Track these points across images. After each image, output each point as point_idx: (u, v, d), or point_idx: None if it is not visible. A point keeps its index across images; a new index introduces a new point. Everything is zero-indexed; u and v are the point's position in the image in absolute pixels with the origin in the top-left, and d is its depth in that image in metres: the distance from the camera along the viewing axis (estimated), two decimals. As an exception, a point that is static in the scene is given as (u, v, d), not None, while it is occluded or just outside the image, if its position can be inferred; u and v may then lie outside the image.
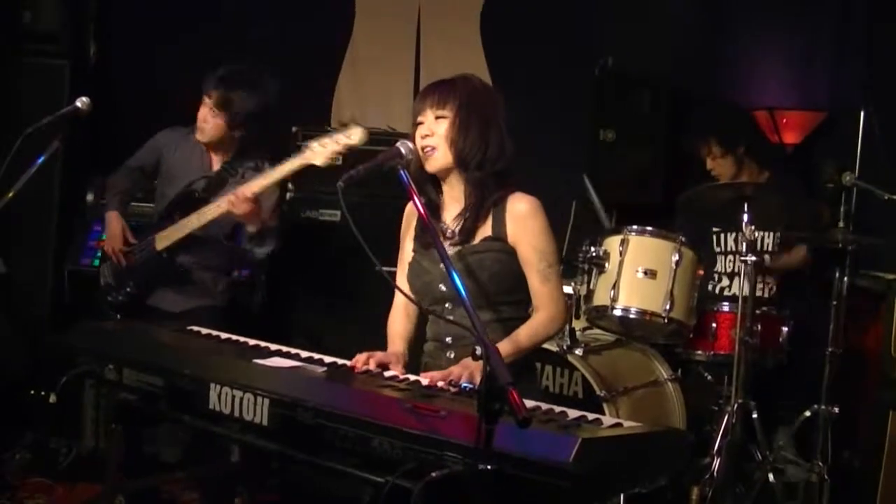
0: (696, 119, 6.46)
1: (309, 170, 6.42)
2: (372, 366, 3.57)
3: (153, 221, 5.53)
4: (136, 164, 5.62)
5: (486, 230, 3.71)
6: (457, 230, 3.74)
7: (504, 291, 3.70)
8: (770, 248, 5.95)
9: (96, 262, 6.04)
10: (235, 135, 5.45)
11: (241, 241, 5.44)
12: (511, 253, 3.69)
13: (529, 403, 2.96)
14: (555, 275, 3.72)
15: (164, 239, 5.34)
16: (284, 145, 6.50)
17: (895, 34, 6.36)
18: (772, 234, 5.93)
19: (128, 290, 5.45)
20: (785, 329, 5.67)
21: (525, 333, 3.68)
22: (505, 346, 3.52)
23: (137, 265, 5.44)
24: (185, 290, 5.45)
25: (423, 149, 3.67)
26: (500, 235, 3.69)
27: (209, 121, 5.39)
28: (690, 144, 6.20)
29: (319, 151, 4.79)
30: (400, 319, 3.95)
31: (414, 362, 3.84)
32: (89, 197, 6.46)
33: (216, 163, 5.52)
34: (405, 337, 3.92)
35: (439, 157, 3.68)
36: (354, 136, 4.73)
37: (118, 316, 5.45)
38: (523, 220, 3.68)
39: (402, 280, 3.87)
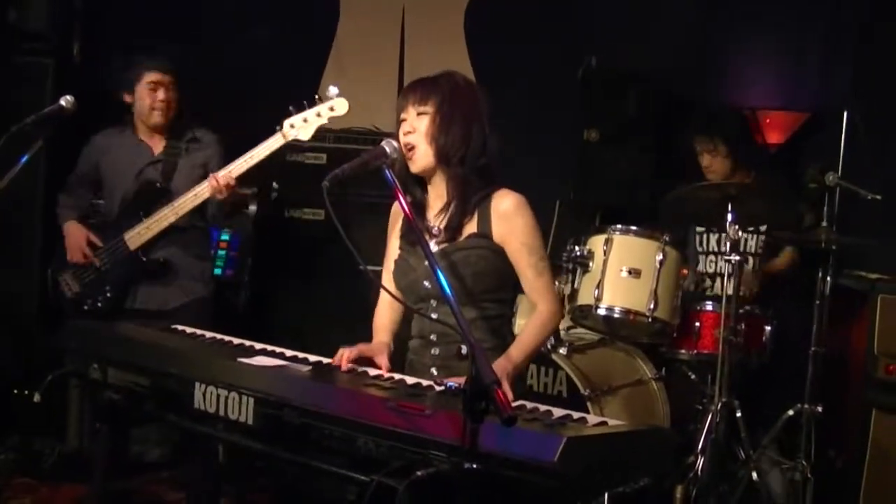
0: (699, 116, 6.46)
1: (293, 168, 6.45)
2: (354, 354, 3.57)
3: (113, 222, 5.49)
4: (77, 176, 5.65)
5: (471, 227, 3.71)
6: (442, 228, 3.73)
7: (488, 289, 3.70)
8: (754, 251, 5.96)
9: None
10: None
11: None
12: (496, 251, 3.68)
13: (514, 402, 2.97)
14: (546, 268, 3.73)
15: (138, 237, 5.31)
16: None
17: (879, 35, 6.38)
18: (756, 235, 5.95)
19: (107, 295, 5.39)
20: (769, 328, 5.68)
21: (532, 332, 3.68)
22: (516, 351, 3.60)
23: (112, 268, 5.39)
24: (172, 285, 5.42)
25: (405, 146, 3.66)
26: (485, 233, 3.68)
27: (171, 98, 5.45)
28: (691, 139, 6.20)
29: (304, 127, 4.81)
30: (386, 312, 3.94)
31: (399, 359, 3.84)
32: (61, 196, 6.44)
33: (157, 148, 5.52)
34: (390, 329, 3.91)
35: (421, 156, 3.67)
36: (339, 106, 4.75)
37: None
38: (510, 217, 3.67)
39: (387, 278, 3.88)
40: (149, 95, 5.42)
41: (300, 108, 4.96)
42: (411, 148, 3.67)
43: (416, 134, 3.66)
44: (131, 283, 5.42)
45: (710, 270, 6.04)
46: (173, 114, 5.48)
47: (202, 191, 5.12)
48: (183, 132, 5.54)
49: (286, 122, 4.91)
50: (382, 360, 3.63)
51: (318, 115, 4.86)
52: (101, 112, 5.65)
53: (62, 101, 4.83)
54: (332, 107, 4.82)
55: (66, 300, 5.49)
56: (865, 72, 6.28)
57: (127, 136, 5.55)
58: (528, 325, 3.71)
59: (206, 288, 5.55)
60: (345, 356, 3.57)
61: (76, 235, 5.46)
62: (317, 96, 4.96)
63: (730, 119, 6.26)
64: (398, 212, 3.92)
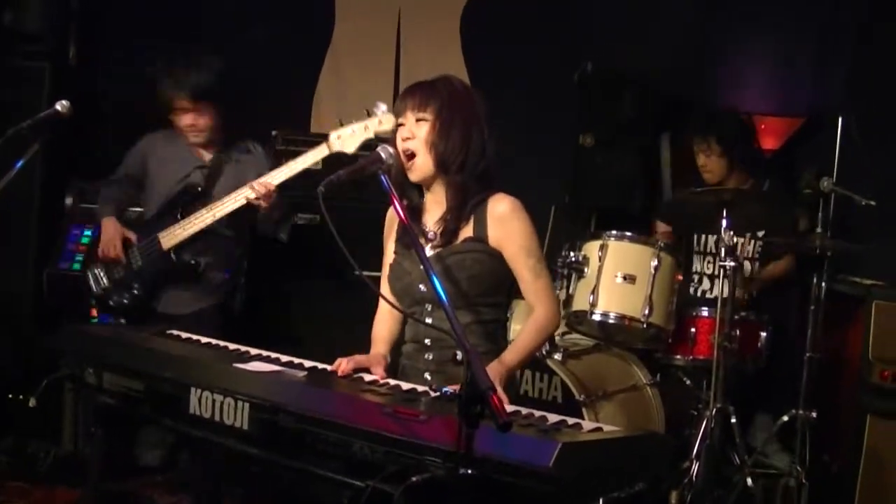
0: (698, 116, 6.47)
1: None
2: (350, 367, 3.56)
3: (146, 222, 5.48)
4: (122, 173, 5.61)
5: (467, 231, 3.71)
6: (438, 232, 3.73)
7: (483, 293, 3.69)
8: (751, 255, 5.97)
9: (76, 266, 5.98)
10: (221, 118, 5.46)
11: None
12: (492, 254, 3.68)
13: (509, 408, 2.98)
14: (544, 270, 3.72)
15: (172, 237, 5.28)
16: (264, 148, 6.51)
17: (873, 40, 6.39)
18: (753, 241, 5.95)
19: (134, 292, 5.36)
20: (764, 334, 5.68)
21: (530, 334, 3.68)
22: (513, 353, 3.60)
23: (144, 266, 5.37)
24: (193, 289, 5.41)
25: (403, 153, 3.66)
26: (481, 237, 3.68)
27: (199, 121, 5.40)
28: (689, 139, 6.21)
29: (349, 140, 4.81)
30: (385, 322, 3.93)
31: (394, 363, 3.84)
32: (68, 200, 6.43)
33: (207, 154, 5.51)
34: (389, 339, 3.90)
35: (420, 164, 3.67)
36: (385, 121, 4.74)
37: (122, 321, 5.40)
38: (506, 220, 3.67)
39: (384, 283, 3.88)
40: (178, 118, 5.41)
41: (348, 122, 4.94)
42: (411, 155, 3.67)
43: (416, 140, 3.66)
44: (160, 284, 5.40)
45: (708, 272, 6.04)
46: (209, 134, 5.45)
47: (240, 196, 5.11)
48: (235, 143, 5.54)
49: (332, 134, 4.88)
50: (378, 372, 3.63)
51: (366, 128, 4.83)
52: (98, 115, 5.66)
53: (58, 106, 4.83)
54: (381, 121, 4.80)
55: (93, 294, 5.46)
56: (860, 77, 6.29)
57: (178, 139, 5.51)
58: (526, 327, 3.70)
59: (218, 297, 5.54)
60: (341, 368, 3.57)
61: (111, 232, 5.43)
62: (366, 111, 4.94)
63: (726, 119, 6.27)
64: (393, 217, 3.91)
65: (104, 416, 3.83)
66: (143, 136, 5.63)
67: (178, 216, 5.29)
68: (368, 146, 4.66)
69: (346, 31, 7.74)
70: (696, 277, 6.10)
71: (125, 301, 5.37)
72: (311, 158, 5.03)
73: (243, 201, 5.13)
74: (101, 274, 5.45)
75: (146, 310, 5.38)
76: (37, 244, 6.40)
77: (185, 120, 5.39)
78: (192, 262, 5.35)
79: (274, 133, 6.70)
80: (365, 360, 3.66)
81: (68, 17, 6.84)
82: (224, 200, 5.19)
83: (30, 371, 5.72)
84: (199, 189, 5.37)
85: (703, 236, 6.10)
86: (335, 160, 6.24)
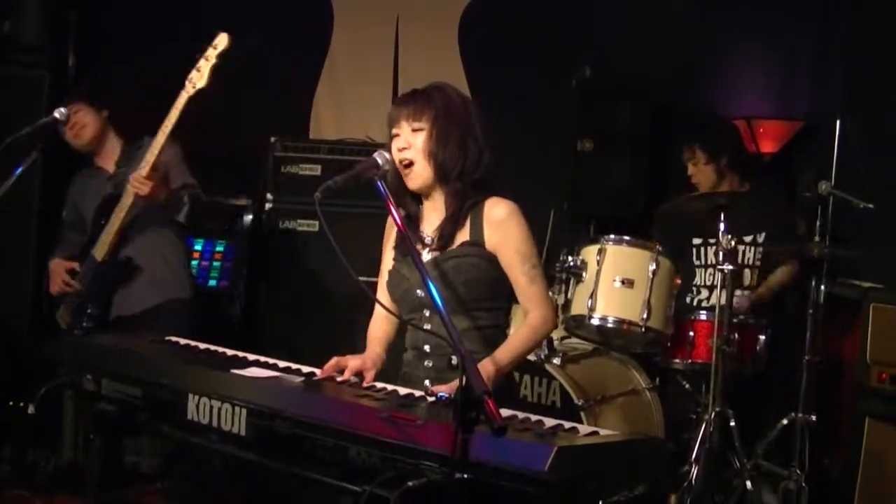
0: (682, 125, 6.48)
1: (287, 180, 6.46)
2: (347, 374, 3.57)
3: (85, 246, 5.46)
4: (65, 226, 5.71)
5: (463, 235, 3.71)
6: (435, 238, 3.74)
7: (481, 298, 3.69)
8: (752, 262, 5.96)
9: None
10: (107, 119, 5.53)
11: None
12: (488, 258, 3.68)
13: (506, 412, 2.98)
14: (540, 275, 3.71)
15: (102, 246, 5.30)
16: (262, 156, 6.54)
17: (871, 45, 6.40)
18: (753, 248, 5.95)
19: (89, 311, 5.35)
20: (762, 337, 5.67)
21: (521, 337, 3.68)
22: (504, 353, 3.59)
23: (89, 285, 5.38)
24: (141, 287, 5.40)
25: (400, 162, 3.67)
26: (477, 240, 3.68)
27: (89, 121, 5.46)
28: (679, 148, 6.22)
29: (199, 77, 4.89)
30: (380, 324, 3.94)
31: (394, 370, 3.85)
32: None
33: (110, 167, 5.55)
34: (384, 340, 3.90)
35: (419, 172, 3.67)
36: (220, 42, 4.85)
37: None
38: (502, 224, 3.67)
39: (382, 290, 3.88)
40: (69, 126, 5.44)
41: (193, 65, 5.01)
42: (408, 164, 3.67)
43: (413, 150, 3.65)
44: (108, 294, 5.40)
45: (709, 283, 6.02)
46: (94, 132, 5.50)
47: (127, 192, 5.14)
48: (131, 144, 5.55)
49: (186, 81, 4.97)
50: (368, 376, 3.62)
51: (207, 58, 4.94)
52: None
53: (56, 113, 4.86)
54: (216, 45, 4.94)
55: (63, 332, 5.49)
56: (858, 81, 6.30)
57: (90, 168, 5.60)
58: (519, 329, 3.71)
59: (182, 290, 5.52)
60: (329, 367, 3.58)
61: (55, 269, 5.51)
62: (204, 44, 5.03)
63: (709, 126, 6.28)
64: (392, 223, 3.92)
65: (103, 424, 3.82)
66: (70, 181, 5.70)
67: (103, 227, 5.32)
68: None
69: (345, 37, 7.76)
70: (695, 289, 6.08)
71: (85, 324, 5.37)
72: (177, 111, 5.04)
73: (127, 206, 5.15)
74: (64, 312, 5.50)
75: (107, 321, 5.39)
76: (35, 251, 6.41)
77: (76, 121, 5.42)
78: (124, 259, 5.36)
79: (273, 140, 6.71)
80: (359, 362, 3.65)
81: (67, 27, 6.85)
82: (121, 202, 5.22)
83: (29, 379, 5.72)
84: (113, 197, 5.35)
85: (704, 249, 6.08)
86: (334, 165, 6.32)
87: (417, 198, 3.81)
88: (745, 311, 5.69)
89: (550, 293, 5.45)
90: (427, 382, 3.66)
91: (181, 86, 5.42)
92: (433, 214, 3.79)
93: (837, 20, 6.69)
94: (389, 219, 3.92)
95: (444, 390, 3.31)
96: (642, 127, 6.84)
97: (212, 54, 4.90)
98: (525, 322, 3.72)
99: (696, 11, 7.08)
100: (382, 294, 3.86)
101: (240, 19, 7.53)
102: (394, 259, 3.85)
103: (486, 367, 3.50)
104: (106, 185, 5.46)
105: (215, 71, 4.93)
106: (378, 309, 3.95)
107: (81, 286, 5.40)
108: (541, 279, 3.73)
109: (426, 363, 3.74)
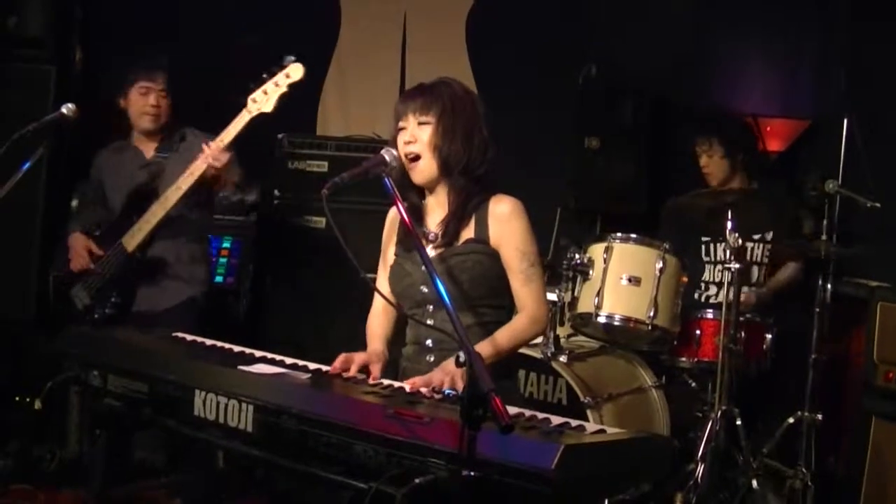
0: (687, 122, 6.47)
1: (294, 176, 6.46)
2: (353, 370, 3.57)
3: (110, 230, 5.48)
4: (85, 198, 5.71)
5: (468, 232, 3.72)
6: (440, 234, 3.74)
7: (485, 295, 3.70)
8: (760, 259, 5.95)
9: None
10: (173, 106, 5.55)
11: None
12: (493, 255, 3.69)
13: (513, 410, 2.98)
14: (537, 275, 3.72)
15: (132, 238, 5.29)
16: (269, 152, 6.53)
17: (877, 43, 6.39)
18: (761, 245, 5.94)
19: (113, 300, 5.38)
20: (769, 336, 5.67)
21: (505, 335, 3.67)
22: (484, 348, 3.53)
23: (116, 273, 5.38)
24: (166, 286, 5.42)
25: (406, 155, 3.67)
26: (482, 237, 3.69)
27: (162, 104, 5.47)
28: (691, 139, 6.21)
29: (264, 99, 4.86)
30: (379, 319, 3.94)
31: (393, 365, 3.85)
32: (74, 203, 6.44)
33: (148, 152, 5.54)
34: (384, 335, 3.90)
35: (424, 166, 3.68)
36: (294, 72, 4.79)
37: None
38: (506, 220, 3.69)
39: (383, 284, 3.88)
40: (139, 100, 5.46)
41: (260, 84, 4.97)
42: (414, 158, 3.68)
43: (419, 144, 3.67)
44: (135, 286, 5.41)
45: (717, 280, 6.02)
46: (165, 120, 5.51)
47: (191, 173, 5.11)
48: (172, 134, 5.56)
49: (248, 99, 4.94)
50: (375, 369, 3.63)
51: (277, 84, 4.90)
52: (103, 119, 5.67)
53: (63, 109, 4.85)
54: (288, 73, 4.88)
55: (78, 312, 5.48)
56: (865, 79, 6.28)
57: (124, 146, 5.60)
58: (504, 328, 3.70)
59: (197, 289, 5.53)
60: (339, 363, 3.58)
61: (77, 245, 5.47)
62: (274, 68, 4.99)
63: (728, 121, 6.29)
64: (394, 218, 3.93)
65: (108, 419, 3.83)
66: (95, 154, 5.69)
67: (134, 217, 5.30)
68: (283, 98, 4.73)
69: (352, 34, 7.76)
70: (703, 285, 6.08)
71: (107, 311, 5.40)
72: (237, 126, 5.03)
73: (196, 175, 5.11)
74: (81, 291, 5.47)
75: (127, 315, 5.39)
76: (41, 247, 6.41)
77: (149, 100, 5.44)
78: (159, 258, 5.37)
79: (280, 136, 6.71)
80: (364, 358, 3.65)
81: (72, 22, 6.85)
82: (173, 186, 5.18)
83: (35, 374, 5.72)
84: (147, 187, 5.38)
85: (713, 245, 6.07)
86: (341, 162, 6.32)
87: (421, 192, 3.82)
88: (751, 306, 5.69)
89: (557, 291, 5.46)
90: (428, 373, 3.66)
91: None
92: (437, 209, 3.80)
93: (842, 18, 6.67)
94: (389, 213, 3.94)
95: (418, 384, 3.35)
96: (648, 125, 6.84)
97: (283, 82, 4.87)
98: (513, 320, 3.74)
99: (700, 10, 7.07)
100: (383, 288, 3.87)
101: (247, 15, 7.55)
102: (396, 254, 3.86)
103: (486, 348, 3.53)
104: (139, 172, 5.47)
105: (282, 98, 4.90)
106: (376, 304, 3.96)
107: (104, 272, 5.39)
108: (537, 279, 3.73)
109: (428, 358, 3.75)
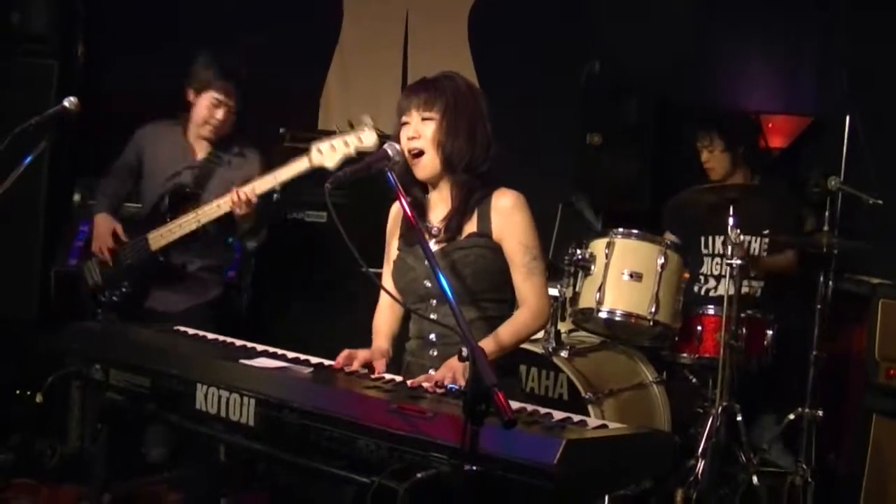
0: (702, 112, 6.47)
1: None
2: (356, 366, 3.57)
3: (141, 218, 5.45)
4: (119, 165, 5.54)
5: (471, 227, 3.72)
6: (442, 229, 3.74)
7: (488, 289, 3.70)
8: (758, 252, 5.96)
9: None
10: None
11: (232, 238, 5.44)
12: (496, 249, 3.69)
13: (515, 405, 2.97)
14: (538, 269, 3.72)
15: (160, 239, 5.25)
16: (272, 146, 6.52)
17: (879, 40, 6.38)
18: (759, 238, 5.95)
19: (123, 289, 5.36)
20: (770, 332, 5.67)
21: (508, 330, 3.66)
22: (487, 344, 3.53)
23: (134, 265, 5.36)
24: (182, 290, 5.38)
25: (409, 151, 3.67)
26: (485, 231, 3.69)
27: (225, 115, 5.36)
28: (692, 134, 6.22)
29: (330, 154, 4.74)
30: (385, 315, 3.94)
31: (397, 359, 3.85)
32: (76, 197, 6.45)
33: (199, 152, 5.45)
34: (389, 333, 3.91)
35: (427, 162, 3.68)
36: (367, 139, 4.64)
37: (112, 315, 5.39)
38: (508, 214, 3.68)
39: (387, 279, 3.89)
40: (208, 110, 5.33)
41: (330, 134, 4.89)
42: (418, 154, 3.68)
43: (423, 139, 3.66)
44: (148, 283, 5.38)
45: (716, 273, 6.03)
46: (225, 132, 5.41)
47: (224, 203, 5.06)
48: (230, 144, 5.45)
49: (314, 147, 4.79)
50: (380, 366, 3.64)
51: (346, 143, 4.71)
52: (105, 112, 5.67)
53: (65, 102, 4.84)
54: (361, 138, 4.68)
55: (87, 287, 5.47)
56: (867, 76, 6.28)
57: (175, 133, 5.48)
58: (506, 324, 3.70)
59: (208, 297, 5.52)
60: (342, 359, 3.58)
61: (103, 227, 5.41)
62: (349, 122, 4.86)
63: (730, 115, 6.29)
64: (397, 213, 3.93)
65: (110, 413, 3.83)
66: (141, 128, 5.57)
67: (168, 217, 5.25)
68: (347, 161, 4.63)
69: (354, 30, 7.77)
70: (702, 278, 6.09)
71: (115, 297, 5.37)
72: (293, 171, 4.92)
73: (226, 209, 5.06)
74: (95, 268, 5.46)
75: (137, 306, 5.36)
76: (43, 242, 6.42)
77: (216, 114, 5.34)
78: (180, 265, 5.35)
79: (282, 131, 6.71)
80: (367, 355, 3.66)
81: (75, 17, 6.86)
82: (209, 205, 5.14)
83: (36, 368, 5.73)
84: (188, 190, 5.32)
85: (711, 238, 6.08)
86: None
87: (424, 187, 3.81)
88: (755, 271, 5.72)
89: (559, 286, 5.47)
90: (432, 372, 3.65)
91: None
92: (440, 205, 3.80)
93: (844, 15, 6.67)
94: (393, 208, 3.94)
95: (422, 380, 3.37)
96: (650, 121, 6.84)
97: (352, 144, 4.68)
98: (514, 315, 3.73)
99: (702, 7, 7.07)
100: (387, 284, 3.87)
101: (251, 12, 7.55)
102: (399, 249, 3.86)
103: (489, 344, 3.53)
104: (185, 171, 5.40)
105: (346, 161, 4.72)
106: (382, 300, 3.96)
107: (122, 258, 5.38)
108: (538, 273, 3.72)
109: (431, 352, 3.75)
